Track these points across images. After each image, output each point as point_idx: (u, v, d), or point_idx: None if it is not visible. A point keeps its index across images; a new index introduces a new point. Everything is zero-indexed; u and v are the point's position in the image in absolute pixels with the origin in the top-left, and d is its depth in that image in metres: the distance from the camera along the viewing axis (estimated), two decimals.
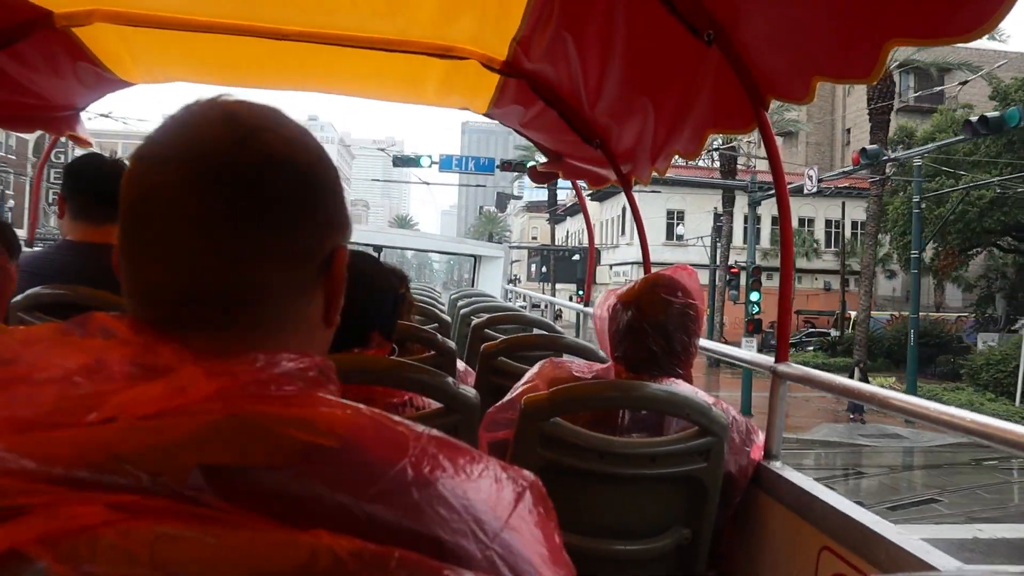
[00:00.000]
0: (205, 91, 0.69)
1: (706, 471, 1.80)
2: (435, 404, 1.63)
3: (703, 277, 31.16)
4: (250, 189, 0.62)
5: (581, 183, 3.77)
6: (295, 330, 0.66)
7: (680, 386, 1.88)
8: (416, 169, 21.74)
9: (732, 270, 25.13)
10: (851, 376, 18.11)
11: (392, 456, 0.54)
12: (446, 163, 22.36)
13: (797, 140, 46.70)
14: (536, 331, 3.67)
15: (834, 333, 35.80)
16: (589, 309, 4.78)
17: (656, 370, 1.91)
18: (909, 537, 1.46)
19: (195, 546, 0.46)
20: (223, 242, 0.62)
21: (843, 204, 34.41)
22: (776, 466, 1.92)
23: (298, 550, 0.47)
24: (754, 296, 21.04)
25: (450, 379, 1.68)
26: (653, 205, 37.84)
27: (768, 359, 2.05)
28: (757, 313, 21.24)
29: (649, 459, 1.76)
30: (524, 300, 12.73)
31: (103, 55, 2.92)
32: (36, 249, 2.97)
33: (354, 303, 0.81)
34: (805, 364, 2.07)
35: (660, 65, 2.26)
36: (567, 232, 52.86)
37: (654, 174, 2.79)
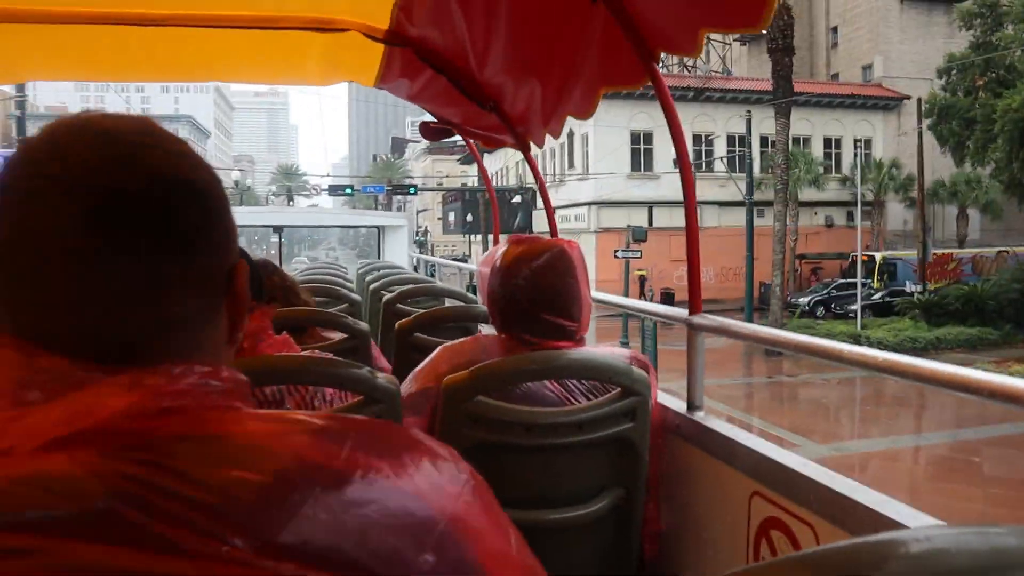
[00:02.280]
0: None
1: (634, 430, 1.81)
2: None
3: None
4: (139, 216, 0.56)
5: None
6: (201, 358, 0.61)
7: (595, 350, 1.88)
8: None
9: None
10: None
11: (314, 473, 0.51)
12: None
13: (762, 46, 31.65)
14: (449, 301, 3.65)
15: (911, 287, 26.54)
16: None
17: (557, 338, 1.88)
18: (837, 477, 1.48)
19: None
20: (114, 277, 0.55)
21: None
22: (700, 416, 1.95)
23: None
24: None
25: (367, 369, 1.65)
26: (613, 126, 30.88)
27: (682, 312, 2.07)
28: None
29: (576, 427, 1.76)
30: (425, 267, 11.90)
31: None
32: None
33: None
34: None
35: (546, 25, 2.21)
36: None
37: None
